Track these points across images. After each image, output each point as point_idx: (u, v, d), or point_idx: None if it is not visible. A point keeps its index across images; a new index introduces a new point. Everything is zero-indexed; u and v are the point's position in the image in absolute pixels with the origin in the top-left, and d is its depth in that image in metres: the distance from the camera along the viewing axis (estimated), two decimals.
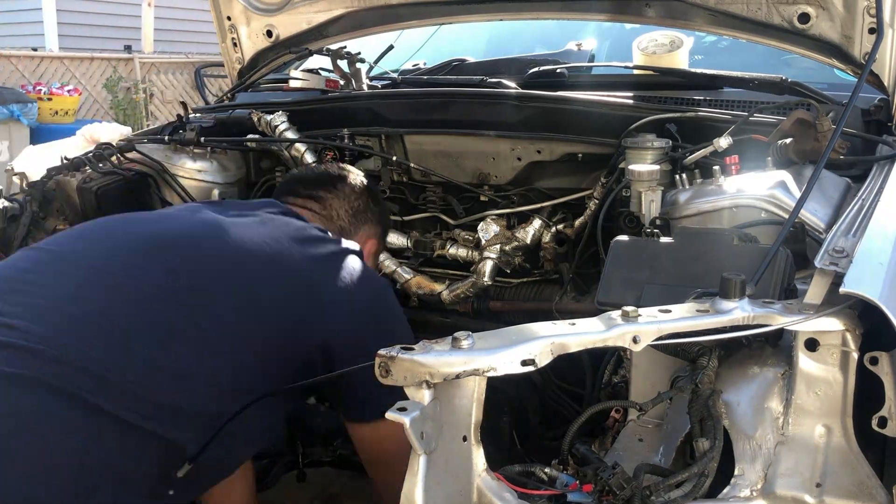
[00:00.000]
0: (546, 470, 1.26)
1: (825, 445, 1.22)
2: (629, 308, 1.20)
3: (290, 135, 2.35)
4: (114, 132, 2.75)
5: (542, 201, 2.23)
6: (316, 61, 2.79)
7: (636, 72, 2.43)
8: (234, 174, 2.46)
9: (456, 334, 1.09)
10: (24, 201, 2.35)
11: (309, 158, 2.33)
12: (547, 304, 2.17)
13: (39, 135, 7.97)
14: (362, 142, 2.34)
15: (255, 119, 2.41)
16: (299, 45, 2.63)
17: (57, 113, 9.04)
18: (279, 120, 2.37)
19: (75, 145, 2.69)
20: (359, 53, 2.57)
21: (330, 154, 2.28)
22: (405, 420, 1.02)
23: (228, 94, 2.73)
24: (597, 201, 2.07)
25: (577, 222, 2.17)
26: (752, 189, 1.61)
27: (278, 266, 1.55)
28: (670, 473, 1.20)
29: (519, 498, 1.16)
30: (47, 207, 2.39)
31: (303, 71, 2.64)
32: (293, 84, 2.62)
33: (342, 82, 2.56)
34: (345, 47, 2.57)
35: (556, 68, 2.40)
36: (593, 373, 2.01)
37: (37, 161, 2.53)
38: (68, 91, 9.42)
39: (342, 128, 2.31)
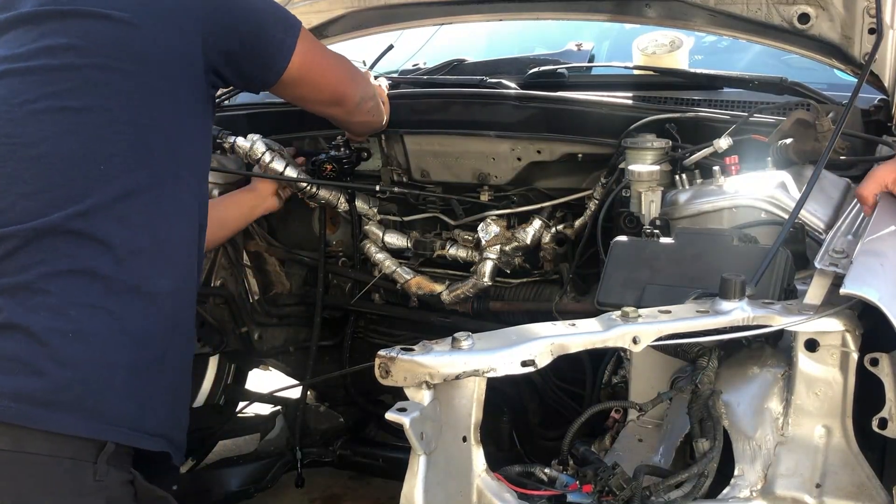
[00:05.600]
0: (546, 470, 1.26)
1: (825, 446, 1.22)
2: (629, 308, 1.21)
3: (276, 164, 2.27)
4: None
5: (542, 201, 2.23)
6: None
7: (636, 72, 2.43)
8: (234, 174, 2.46)
9: (456, 335, 1.09)
10: None
11: (283, 168, 2.27)
12: (547, 304, 2.17)
13: None
14: (362, 141, 2.34)
15: (227, 143, 2.29)
16: None
17: None
18: (260, 148, 2.25)
19: None
20: None
21: (329, 167, 2.27)
22: (405, 420, 1.03)
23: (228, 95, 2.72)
24: (597, 202, 2.07)
25: (577, 223, 2.17)
26: (752, 189, 1.61)
27: None
28: (670, 474, 1.20)
29: (519, 498, 1.16)
30: None
31: None
32: None
33: None
34: None
35: (556, 68, 2.39)
36: (593, 373, 2.01)
37: None
38: None
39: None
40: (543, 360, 1.10)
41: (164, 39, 1.50)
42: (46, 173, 1.38)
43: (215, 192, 2.41)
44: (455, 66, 2.60)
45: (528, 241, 2.21)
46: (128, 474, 1.36)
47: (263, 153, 2.25)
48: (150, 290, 1.42)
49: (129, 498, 1.37)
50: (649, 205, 1.79)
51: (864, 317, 1.21)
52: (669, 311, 1.23)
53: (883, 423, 1.17)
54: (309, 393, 2.71)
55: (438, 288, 2.33)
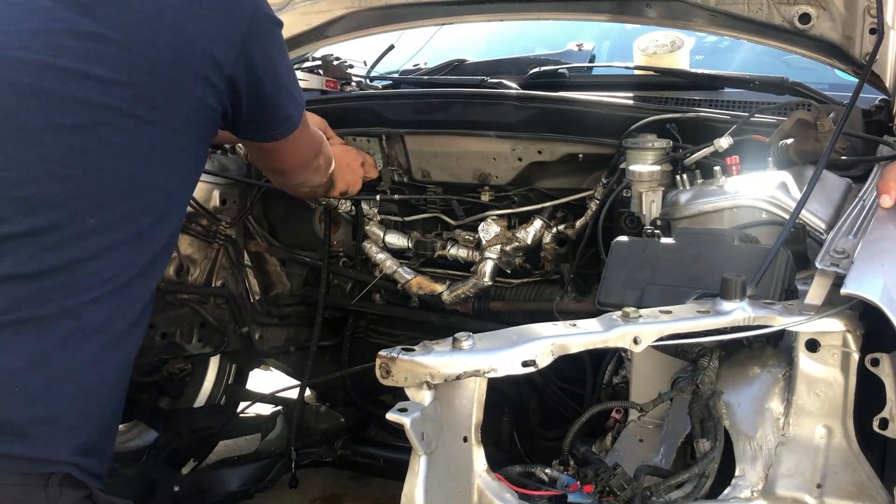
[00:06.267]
0: (546, 470, 1.26)
1: (826, 446, 1.22)
2: (630, 309, 1.20)
3: None
4: None
5: (542, 202, 2.23)
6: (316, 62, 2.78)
7: (637, 72, 2.43)
8: (234, 174, 2.46)
9: (456, 335, 1.09)
10: None
11: None
12: (548, 304, 2.17)
13: None
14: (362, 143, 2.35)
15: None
16: (300, 46, 2.62)
17: None
18: None
19: None
20: (347, 63, 2.57)
21: None
22: (406, 421, 1.03)
23: None
24: (597, 202, 2.07)
25: (578, 223, 2.17)
26: (753, 190, 1.61)
27: None
28: (671, 474, 1.20)
29: (519, 498, 1.16)
30: None
31: (303, 71, 2.63)
32: None
33: (341, 83, 2.56)
34: (331, 55, 2.56)
35: (557, 68, 2.39)
36: (594, 373, 2.01)
37: None
38: None
39: (342, 128, 2.31)
40: (544, 361, 1.10)
41: (193, 91, 1.40)
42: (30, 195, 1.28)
43: (216, 192, 2.42)
44: (456, 67, 2.60)
45: (529, 242, 2.21)
46: (84, 490, 1.30)
47: None
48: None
49: None
50: (650, 205, 1.79)
51: (865, 317, 1.21)
52: (670, 312, 1.23)
53: (884, 424, 1.17)
54: (309, 393, 2.71)
55: (439, 288, 2.33)
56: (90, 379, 1.33)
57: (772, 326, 1.21)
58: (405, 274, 2.37)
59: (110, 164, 1.33)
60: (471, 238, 2.31)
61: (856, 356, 1.20)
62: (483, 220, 2.25)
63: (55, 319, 1.29)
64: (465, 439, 1.13)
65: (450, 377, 1.06)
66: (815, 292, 1.21)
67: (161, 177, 1.40)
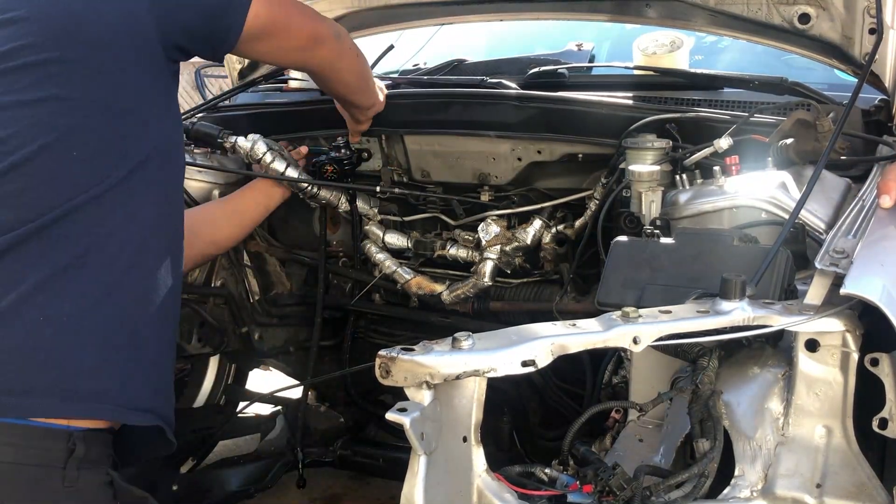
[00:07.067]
0: (546, 470, 1.26)
1: (825, 446, 1.22)
2: (629, 309, 1.21)
3: (277, 164, 2.28)
4: None
5: (542, 202, 2.23)
6: None
7: (636, 72, 2.43)
8: (234, 175, 2.46)
9: (456, 335, 1.09)
10: None
11: (284, 169, 2.29)
12: (547, 304, 2.17)
13: None
14: (362, 142, 2.35)
15: (227, 143, 2.28)
16: None
17: None
18: (261, 148, 2.25)
19: None
20: None
21: (330, 168, 2.28)
22: (405, 420, 1.03)
23: (228, 96, 2.71)
24: (597, 202, 2.07)
25: (578, 223, 2.17)
26: (753, 190, 1.61)
27: None
28: (670, 474, 1.20)
29: (519, 498, 1.16)
30: None
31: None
32: (292, 84, 2.62)
33: None
34: None
35: (557, 68, 2.39)
36: (593, 373, 2.01)
37: None
38: None
39: (341, 128, 2.31)
40: (544, 361, 1.10)
41: (113, 22, 1.43)
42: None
43: (215, 192, 2.42)
44: (455, 67, 2.60)
45: (529, 242, 2.21)
46: (104, 476, 1.34)
47: (265, 153, 2.25)
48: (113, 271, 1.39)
49: (107, 500, 1.34)
50: (650, 205, 1.79)
51: (865, 317, 1.21)
52: (670, 312, 1.23)
53: (883, 424, 1.17)
54: (309, 393, 2.71)
55: (439, 288, 2.33)
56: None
57: (771, 326, 1.21)
58: (405, 274, 2.37)
59: None
60: (470, 238, 2.31)
61: (855, 356, 1.20)
62: (483, 220, 2.25)
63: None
64: (465, 439, 1.13)
65: (449, 377, 1.06)
66: (815, 292, 1.21)
67: None
